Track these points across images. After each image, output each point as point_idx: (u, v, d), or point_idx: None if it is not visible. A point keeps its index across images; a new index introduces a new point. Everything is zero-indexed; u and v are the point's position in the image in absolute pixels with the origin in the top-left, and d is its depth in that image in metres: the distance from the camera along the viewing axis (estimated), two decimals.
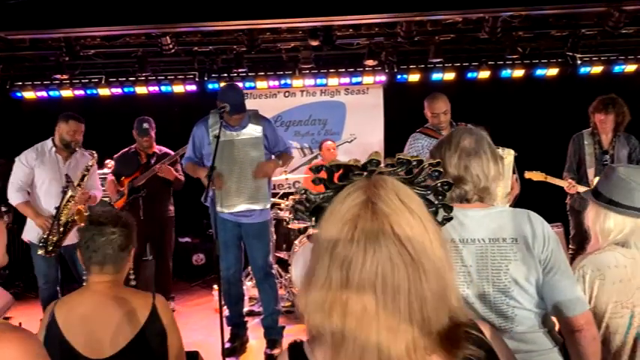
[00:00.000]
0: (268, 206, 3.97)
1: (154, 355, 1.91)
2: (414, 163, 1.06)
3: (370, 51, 5.78)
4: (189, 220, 5.80)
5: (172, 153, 4.90)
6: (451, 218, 1.11)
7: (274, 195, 5.29)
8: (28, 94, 6.27)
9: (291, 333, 4.13)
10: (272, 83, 6.34)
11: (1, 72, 6.01)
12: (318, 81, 6.40)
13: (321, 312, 0.92)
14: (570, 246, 4.75)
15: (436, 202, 1.09)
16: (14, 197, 4.04)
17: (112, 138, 5.27)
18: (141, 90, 6.27)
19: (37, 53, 5.74)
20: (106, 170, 5.36)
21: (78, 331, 1.85)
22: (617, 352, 1.89)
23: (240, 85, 5.89)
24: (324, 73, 6.35)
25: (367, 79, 6.37)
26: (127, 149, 5.00)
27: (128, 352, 1.85)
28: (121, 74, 6.29)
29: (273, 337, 3.99)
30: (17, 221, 5.44)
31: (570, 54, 5.93)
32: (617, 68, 6.06)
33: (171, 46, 5.31)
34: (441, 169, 1.08)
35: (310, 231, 1.09)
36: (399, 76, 6.28)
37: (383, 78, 6.35)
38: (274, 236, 5.13)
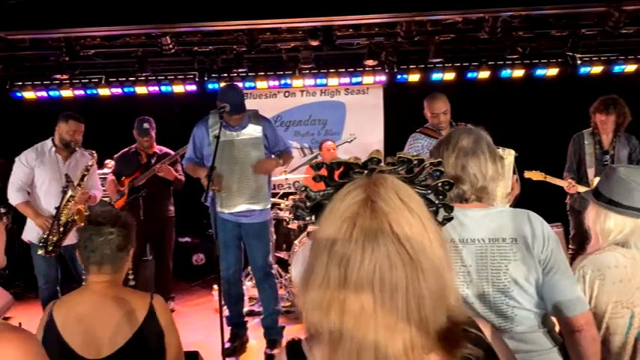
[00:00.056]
0: (269, 206, 3.98)
1: (152, 356, 1.91)
2: (415, 162, 1.06)
3: (370, 51, 5.78)
4: (189, 220, 5.80)
5: (173, 153, 4.90)
6: (451, 218, 1.11)
7: (274, 195, 5.29)
8: (28, 94, 6.27)
9: (291, 333, 4.13)
10: (272, 83, 6.34)
11: (1, 72, 6.01)
12: (318, 81, 6.40)
13: (319, 310, 0.92)
14: (570, 246, 4.76)
15: (437, 202, 1.09)
16: (14, 197, 4.05)
17: (111, 138, 5.27)
18: (141, 90, 6.27)
19: (37, 53, 5.74)
20: (106, 170, 5.37)
21: (75, 330, 1.85)
22: (618, 353, 1.89)
23: (240, 85, 5.89)
24: (324, 73, 6.36)
25: (367, 79, 6.37)
26: (127, 149, 5.01)
27: (125, 353, 1.85)
28: (121, 74, 6.29)
29: (273, 337, 3.99)
30: (17, 221, 5.44)
31: (570, 54, 5.93)
32: (617, 68, 6.06)
33: (171, 46, 5.31)
34: (442, 169, 1.08)
35: (310, 228, 1.09)
36: (399, 76, 6.28)
37: (383, 78, 6.35)
38: (274, 236, 5.13)
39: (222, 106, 3.55)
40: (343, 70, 6.38)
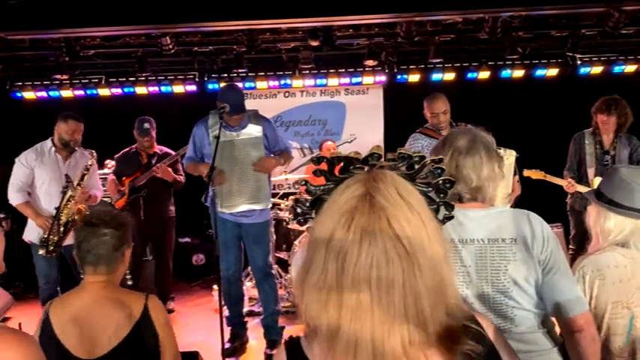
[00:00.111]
0: (269, 206, 3.98)
1: (146, 356, 1.91)
2: (416, 158, 1.05)
3: (370, 51, 5.78)
4: (189, 220, 5.80)
5: (173, 153, 4.91)
6: (452, 217, 1.10)
7: (274, 195, 5.29)
8: (28, 95, 6.27)
9: (291, 333, 4.12)
10: (272, 83, 6.34)
11: (1, 72, 6.01)
12: (318, 81, 6.40)
13: (317, 303, 0.92)
14: (570, 246, 4.76)
15: (437, 200, 1.08)
16: (14, 198, 4.05)
17: (111, 138, 5.27)
18: (141, 90, 6.27)
19: (37, 53, 5.74)
20: (106, 170, 5.37)
21: (70, 330, 1.86)
22: (619, 354, 1.89)
23: (240, 85, 5.89)
24: (324, 73, 6.35)
25: (367, 80, 6.37)
26: (127, 149, 5.01)
27: (119, 353, 1.86)
28: (121, 74, 6.29)
29: (273, 337, 3.99)
30: (17, 222, 5.45)
31: (570, 54, 5.93)
32: (616, 68, 6.05)
33: (171, 46, 5.31)
34: (444, 167, 1.08)
35: (309, 224, 1.09)
36: (399, 77, 6.28)
37: (383, 78, 6.35)
38: (274, 236, 5.13)
39: (222, 106, 3.55)
40: (343, 70, 6.37)
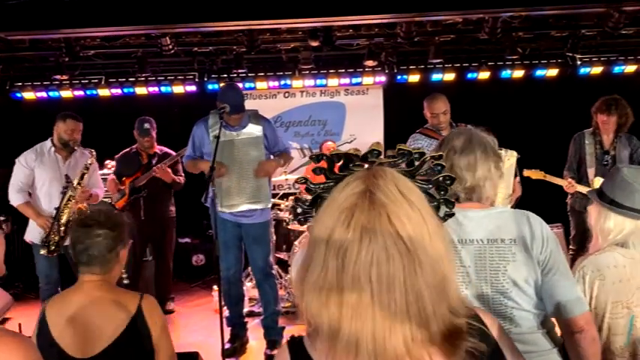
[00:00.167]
0: (269, 206, 3.98)
1: (140, 356, 1.91)
2: (416, 155, 1.05)
3: (370, 51, 5.78)
4: (189, 220, 5.80)
5: (174, 153, 4.90)
6: (453, 214, 1.10)
7: (274, 196, 5.28)
8: (28, 95, 6.27)
9: (291, 333, 4.12)
10: (272, 84, 6.34)
11: (0, 72, 6.01)
12: (318, 81, 6.40)
13: (318, 301, 0.91)
14: (570, 247, 4.76)
15: (438, 197, 1.08)
16: (15, 198, 4.08)
17: (111, 139, 5.27)
18: (141, 91, 6.27)
19: (36, 54, 5.73)
20: (105, 171, 5.37)
21: (64, 329, 1.87)
22: (620, 354, 1.89)
23: (240, 85, 5.88)
24: (324, 73, 6.35)
25: (367, 80, 6.37)
26: (128, 149, 5.01)
27: (112, 352, 1.86)
28: (120, 75, 6.28)
29: (273, 337, 3.99)
30: (17, 222, 5.45)
31: (570, 54, 5.93)
32: (616, 69, 6.05)
33: (171, 46, 5.31)
34: (444, 163, 1.07)
35: (310, 223, 1.09)
36: (398, 77, 6.28)
37: (383, 78, 6.35)
38: (274, 237, 5.12)
39: (223, 106, 3.56)
40: (343, 70, 6.37)
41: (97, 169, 4.46)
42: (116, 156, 5.09)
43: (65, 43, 5.23)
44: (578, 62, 6.01)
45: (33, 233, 4.11)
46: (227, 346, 3.76)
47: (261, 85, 6.34)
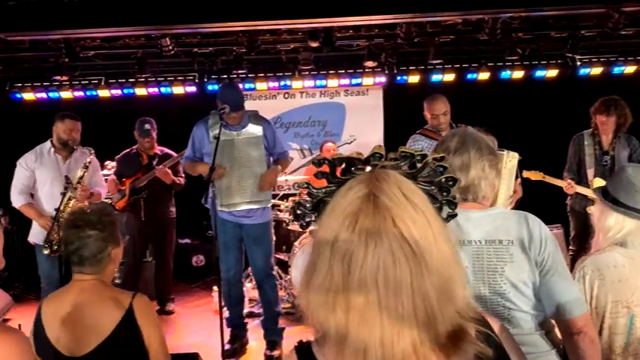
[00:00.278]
0: (269, 205, 3.99)
1: (130, 355, 1.91)
2: (418, 157, 1.05)
3: (370, 52, 5.78)
4: (189, 221, 5.80)
5: (174, 154, 4.90)
6: (455, 215, 1.09)
7: (274, 196, 5.29)
8: (28, 96, 6.26)
9: (291, 334, 4.13)
10: (272, 84, 6.34)
11: (0, 73, 6.01)
12: (318, 82, 6.40)
13: (324, 307, 0.90)
14: (571, 247, 4.76)
15: (440, 199, 1.07)
16: (16, 200, 4.11)
17: (111, 139, 5.27)
18: (140, 91, 6.27)
19: (36, 54, 5.73)
20: (106, 172, 5.36)
21: (57, 328, 1.88)
22: (620, 353, 1.89)
23: (240, 86, 5.89)
24: (324, 74, 6.35)
25: (367, 81, 6.37)
26: (128, 150, 5.01)
27: (102, 351, 1.86)
28: (120, 75, 6.28)
29: (273, 338, 3.99)
30: (17, 222, 5.45)
31: (570, 55, 5.93)
32: (616, 69, 6.05)
33: (170, 47, 5.31)
34: (446, 165, 1.07)
35: (312, 227, 1.08)
36: (398, 78, 6.28)
37: (383, 79, 6.35)
38: (274, 237, 5.12)
39: (223, 107, 3.57)
40: (343, 71, 6.37)
41: (98, 168, 4.47)
42: (116, 157, 5.09)
43: (65, 44, 5.23)
44: (578, 63, 6.01)
45: (36, 234, 4.13)
46: (227, 346, 3.76)
47: (261, 85, 6.34)
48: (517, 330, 1.65)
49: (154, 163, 4.86)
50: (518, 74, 6.15)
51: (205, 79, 6.29)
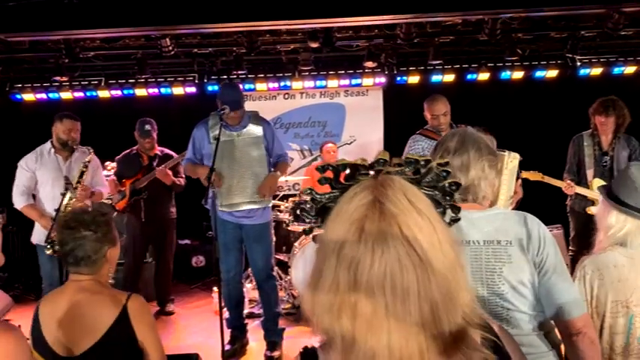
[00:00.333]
0: (270, 205, 4.00)
1: (125, 355, 1.92)
2: (422, 162, 1.04)
3: (370, 53, 5.78)
4: (189, 222, 5.80)
5: (174, 154, 4.90)
6: (459, 219, 1.09)
7: (274, 197, 5.28)
8: (28, 96, 6.26)
9: (291, 335, 4.13)
10: (271, 85, 6.34)
11: (0, 74, 6.01)
12: (318, 83, 6.40)
13: (329, 314, 0.89)
14: (570, 247, 4.75)
15: (444, 203, 1.06)
16: (18, 201, 4.13)
17: (111, 140, 5.27)
18: (140, 92, 6.27)
19: (36, 55, 5.73)
20: (106, 172, 5.36)
21: (52, 328, 1.89)
22: (620, 353, 1.89)
23: (240, 87, 5.89)
24: (324, 74, 6.35)
25: (367, 81, 6.37)
26: (128, 150, 5.01)
27: (96, 352, 1.87)
28: (120, 76, 6.29)
29: (273, 339, 3.98)
30: (16, 223, 5.45)
31: (570, 55, 5.93)
32: (616, 70, 6.06)
33: (170, 48, 5.31)
34: (450, 169, 1.06)
35: (316, 231, 1.07)
36: (398, 78, 6.28)
37: (382, 80, 6.35)
38: (274, 238, 5.12)
39: (223, 107, 3.57)
40: (343, 71, 6.38)
41: (99, 167, 4.47)
42: (117, 157, 5.09)
43: (65, 45, 5.23)
44: (578, 63, 6.01)
45: (38, 235, 4.14)
46: (227, 347, 3.77)
47: (260, 86, 6.34)
48: (516, 331, 1.65)
49: (155, 163, 4.86)
50: (518, 75, 6.15)
51: (205, 80, 6.29)
